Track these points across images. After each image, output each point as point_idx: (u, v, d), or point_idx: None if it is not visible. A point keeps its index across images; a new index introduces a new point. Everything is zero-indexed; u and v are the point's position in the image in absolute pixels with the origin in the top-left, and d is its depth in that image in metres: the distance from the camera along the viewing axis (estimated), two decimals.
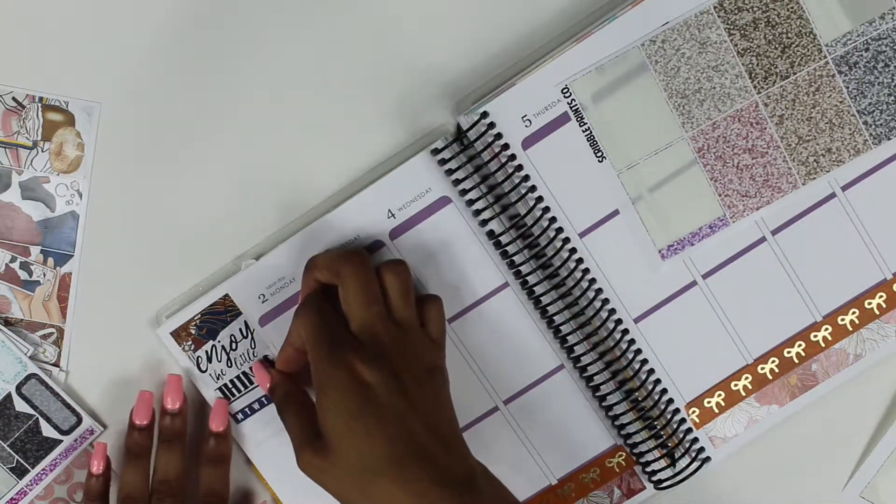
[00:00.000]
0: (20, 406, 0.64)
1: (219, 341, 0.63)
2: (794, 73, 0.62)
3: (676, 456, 0.64)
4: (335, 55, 0.63)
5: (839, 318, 0.65)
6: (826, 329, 0.65)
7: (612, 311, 0.63)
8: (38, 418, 0.64)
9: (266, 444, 0.64)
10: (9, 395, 0.63)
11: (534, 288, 0.62)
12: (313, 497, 0.62)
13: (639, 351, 0.64)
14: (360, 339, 0.56)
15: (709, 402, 0.65)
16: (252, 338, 0.63)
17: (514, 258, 0.62)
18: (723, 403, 0.65)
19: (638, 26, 0.61)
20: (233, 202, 0.64)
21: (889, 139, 0.63)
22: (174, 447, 0.62)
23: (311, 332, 0.57)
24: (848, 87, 0.62)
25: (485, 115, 0.61)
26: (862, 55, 0.62)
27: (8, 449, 0.64)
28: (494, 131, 0.61)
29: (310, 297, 0.59)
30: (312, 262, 0.60)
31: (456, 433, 0.58)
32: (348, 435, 0.55)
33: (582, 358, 0.63)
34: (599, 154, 0.62)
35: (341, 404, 0.55)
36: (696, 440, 0.65)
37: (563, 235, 0.62)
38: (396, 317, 0.58)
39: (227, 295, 0.63)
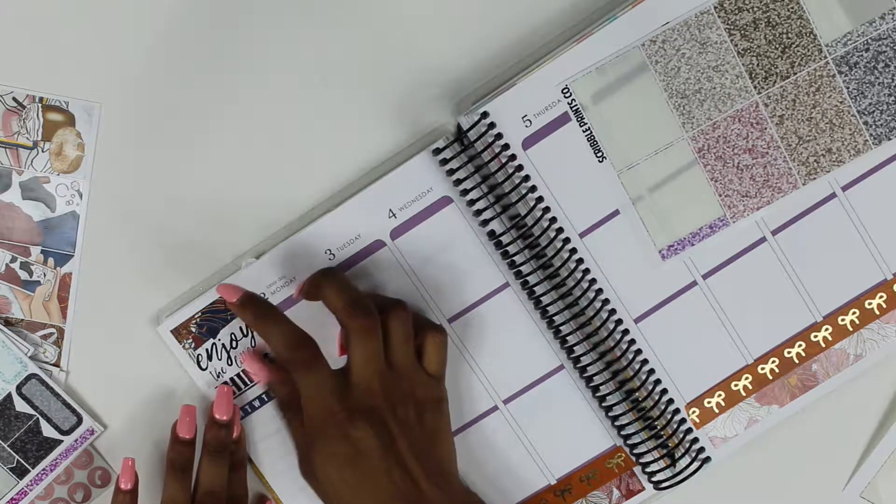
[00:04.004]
0: (20, 406, 0.64)
1: (219, 339, 0.63)
2: (795, 74, 0.62)
3: (676, 456, 0.64)
4: (335, 55, 0.63)
5: (839, 319, 0.65)
6: (826, 329, 0.65)
7: (613, 312, 0.63)
8: (38, 418, 0.64)
9: (265, 441, 0.64)
10: (9, 396, 0.63)
11: (534, 288, 0.62)
12: (312, 495, 0.63)
13: (639, 351, 0.64)
14: (354, 385, 0.58)
15: (709, 403, 0.65)
16: (252, 336, 0.63)
17: (514, 258, 0.62)
18: (723, 403, 0.65)
19: (638, 26, 0.61)
20: (233, 201, 0.64)
21: (889, 139, 0.63)
22: (222, 459, 0.62)
23: (314, 382, 0.59)
24: (848, 88, 0.62)
25: (485, 115, 0.61)
26: (862, 55, 0.62)
27: (8, 449, 0.64)
28: (495, 131, 0.61)
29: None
30: (327, 285, 0.59)
31: (448, 470, 0.60)
32: (337, 484, 0.58)
33: (582, 358, 0.63)
34: (600, 154, 0.62)
35: (330, 459, 0.58)
36: (696, 440, 0.65)
37: (563, 236, 0.62)
38: (393, 360, 0.59)
39: None
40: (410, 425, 0.59)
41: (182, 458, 0.62)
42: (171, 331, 0.63)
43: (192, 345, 0.63)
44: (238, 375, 0.64)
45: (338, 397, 0.58)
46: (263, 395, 0.64)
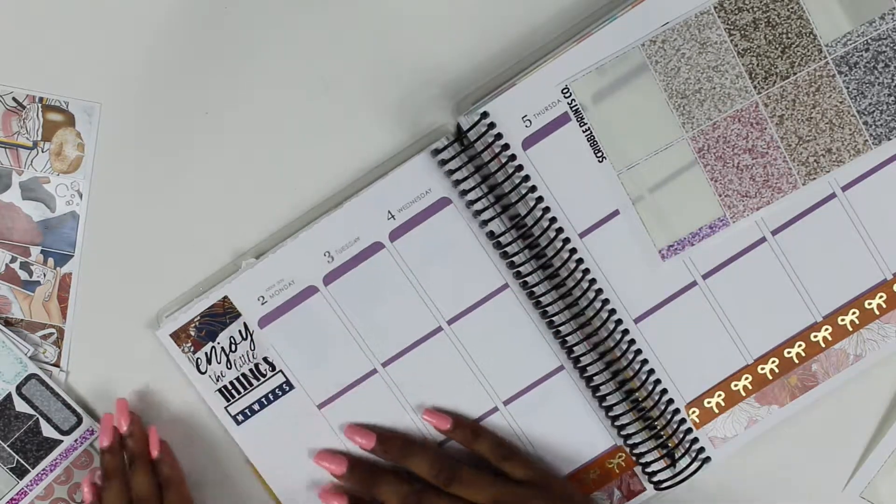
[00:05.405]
0: (20, 406, 0.64)
1: (218, 343, 0.63)
2: (795, 74, 0.62)
3: (676, 456, 0.64)
4: (335, 55, 0.63)
5: (839, 319, 0.65)
6: (826, 329, 0.65)
7: (613, 312, 0.63)
8: (38, 418, 0.64)
9: (266, 445, 0.64)
10: (9, 396, 0.63)
11: (534, 288, 0.62)
12: (313, 499, 0.63)
13: (639, 351, 0.64)
14: None
15: (709, 403, 0.65)
16: (251, 339, 0.63)
17: (514, 259, 0.62)
18: (723, 403, 0.65)
19: (638, 26, 0.61)
20: (233, 202, 0.64)
21: (889, 139, 0.63)
22: (140, 467, 0.63)
23: None
24: (848, 88, 0.62)
25: (485, 115, 0.61)
26: (862, 55, 0.62)
27: (8, 449, 0.64)
28: (495, 131, 0.61)
29: None
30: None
31: None
32: None
33: (582, 358, 0.63)
34: (600, 154, 0.62)
35: None
36: (696, 440, 0.65)
37: (563, 236, 0.62)
38: None
39: (226, 297, 0.63)
40: None
41: (107, 466, 0.63)
42: (171, 334, 0.63)
43: (192, 348, 0.63)
44: (237, 379, 0.64)
45: None
46: (262, 400, 0.64)
